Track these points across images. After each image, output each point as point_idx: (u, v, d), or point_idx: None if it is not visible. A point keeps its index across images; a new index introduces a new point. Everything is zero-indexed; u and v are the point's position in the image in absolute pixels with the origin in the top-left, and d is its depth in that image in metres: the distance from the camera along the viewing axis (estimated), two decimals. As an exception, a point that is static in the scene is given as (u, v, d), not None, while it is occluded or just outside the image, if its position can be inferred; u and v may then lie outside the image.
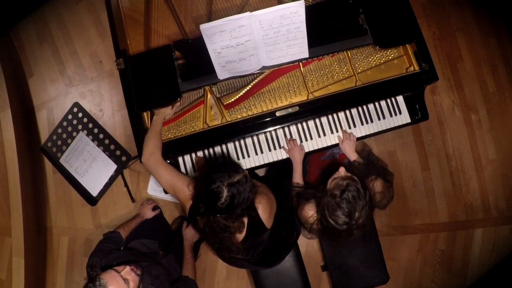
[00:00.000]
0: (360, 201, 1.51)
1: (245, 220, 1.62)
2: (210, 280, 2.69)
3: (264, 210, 1.64)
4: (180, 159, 2.03)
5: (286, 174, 2.08)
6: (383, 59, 2.03)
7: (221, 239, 1.60)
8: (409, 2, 2.00)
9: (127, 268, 1.59)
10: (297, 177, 1.97)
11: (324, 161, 2.15)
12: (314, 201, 1.71)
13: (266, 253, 1.80)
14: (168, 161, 2.00)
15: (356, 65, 2.02)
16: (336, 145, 2.04)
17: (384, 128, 2.06)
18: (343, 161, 2.07)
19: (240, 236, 1.64)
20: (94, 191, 2.12)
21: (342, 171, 1.61)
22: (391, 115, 2.06)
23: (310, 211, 1.70)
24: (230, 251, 1.66)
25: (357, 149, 2.00)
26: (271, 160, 2.04)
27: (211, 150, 2.04)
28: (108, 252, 1.84)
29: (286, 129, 2.04)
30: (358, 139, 2.03)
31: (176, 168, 2.01)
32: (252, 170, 2.08)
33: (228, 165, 1.55)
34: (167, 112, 1.91)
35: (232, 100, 1.98)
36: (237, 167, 1.53)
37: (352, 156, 1.96)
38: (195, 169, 2.03)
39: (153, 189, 2.71)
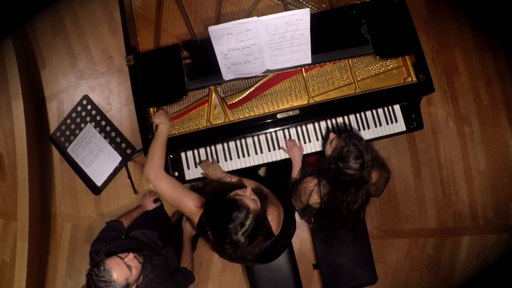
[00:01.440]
0: (362, 141, 1.63)
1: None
2: (206, 272, 2.69)
3: (275, 221, 1.61)
4: (182, 154, 2.03)
5: (284, 174, 2.09)
6: (383, 68, 2.03)
7: (236, 253, 1.52)
8: (410, 15, 2.00)
9: (131, 255, 1.59)
10: (295, 175, 1.97)
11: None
12: (313, 176, 1.77)
13: (264, 252, 1.79)
14: (171, 156, 2.01)
15: (357, 73, 2.02)
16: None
17: (380, 135, 2.06)
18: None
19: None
20: (99, 181, 2.12)
21: (332, 134, 1.71)
22: (387, 123, 2.06)
23: (311, 180, 1.75)
24: (243, 259, 1.57)
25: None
26: (270, 160, 2.04)
27: (212, 147, 2.04)
28: (111, 240, 1.85)
29: (286, 131, 2.04)
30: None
31: (177, 163, 2.02)
32: (251, 169, 2.08)
33: (233, 209, 1.40)
34: (168, 126, 1.80)
35: (236, 100, 1.99)
36: (242, 209, 1.39)
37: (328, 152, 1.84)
38: (196, 164, 2.03)
39: (155, 182, 2.71)
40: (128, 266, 1.55)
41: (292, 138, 2.04)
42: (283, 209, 1.74)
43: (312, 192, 1.74)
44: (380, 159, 1.89)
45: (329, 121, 2.05)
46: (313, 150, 2.04)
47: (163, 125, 1.76)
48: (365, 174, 1.62)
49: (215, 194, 1.54)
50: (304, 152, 2.03)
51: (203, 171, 1.99)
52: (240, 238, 1.39)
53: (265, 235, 1.57)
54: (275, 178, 2.22)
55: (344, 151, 1.59)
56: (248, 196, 1.46)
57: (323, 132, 2.05)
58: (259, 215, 1.44)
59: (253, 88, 1.99)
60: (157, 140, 1.72)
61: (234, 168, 2.02)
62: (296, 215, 2.08)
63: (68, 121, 2.12)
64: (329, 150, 1.69)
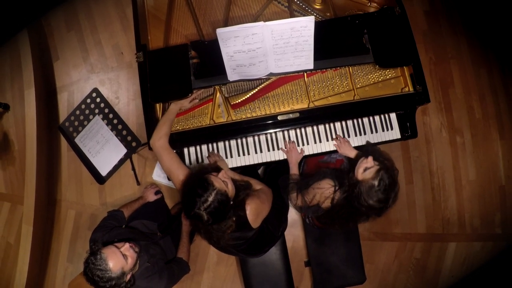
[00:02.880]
0: (395, 188, 1.55)
1: (234, 218, 1.61)
2: (202, 263, 2.69)
3: (252, 212, 1.63)
4: (185, 150, 2.03)
5: (281, 174, 2.08)
6: (381, 77, 2.03)
7: (210, 233, 1.62)
8: (411, 28, 2.00)
9: (127, 245, 1.60)
10: (294, 171, 1.97)
11: (322, 163, 2.13)
12: (330, 179, 1.70)
13: (251, 244, 1.79)
14: (174, 151, 2.00)
15: (356, 80, 2.02)
16: (330, 152, 2.04)
17: (376, 141, 2.06)
18: (340, 166, 2.06)
19: (229, 231, 1.63)
20: (104, 171, 2.13)
21: (371, 160, 1.58)
22: (383, 130, 2.06)
23: (327, 185, 1.69)
24: (218, 243, 1.67)
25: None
26: (269, 160, 2.04)
27: (214, 144, 2.04)
28: (111, 229, 1.85)
29: (286, 132, 2.04)
30: (351, 148, 2.02)
31: (181, 158, 2.01)
32: (252, 167, 2.07)
33: (197, 185, 1.49)
34: (184, 104, 1.91)
35: (239, 101, 1.99)
36: (205, 185, 1.48)
37: (352, 153, 1.93)
38: (198, 160, 2.03)
39: (158, 175, 2.71)
40: (124, 256, 1.56)
41: (292, 139, 2.04)
42: (270, 208, 1.77)
43: (327, 198, 1.70)
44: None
45: (327, 125, 2.05)
46: (311, 152, 2.04)
47: (174, 104, 1.89)
48: (381, 211, 1.58)
49: (194, 173, 1.63)
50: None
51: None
52: (202, 213, 1.47)
53: (239, 224, 1.62)
54: (272, 177, 2.22)
55: (373, 191, 1.52)
56: (219, 177, 1.53)
57: (322, 135, 2.05)
58: (223, 197, 1.49)
59: (256, 89, 1.99)
60: (166, 115, 1.87)
61: (234, 165, 2.02)
62: (290, 213, 2.08)
63: (77, 112, 2.12)
64: (360, 175, 1.58)
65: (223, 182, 1.52)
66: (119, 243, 1.60)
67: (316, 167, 2.12)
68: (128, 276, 1.59)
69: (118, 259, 1.54)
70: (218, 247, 1.82)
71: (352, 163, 1.84)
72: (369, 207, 1.55)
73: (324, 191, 1.70)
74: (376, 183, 1.52)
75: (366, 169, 1.57)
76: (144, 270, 1.70)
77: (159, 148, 1.78)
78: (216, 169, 1.63)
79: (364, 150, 2.00)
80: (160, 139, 1.78)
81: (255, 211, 1.65)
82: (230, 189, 1.54)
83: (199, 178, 1.53)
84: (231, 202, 1.54)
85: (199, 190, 1.47)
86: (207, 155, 2.02)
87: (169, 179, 1.90)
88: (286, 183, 1.93)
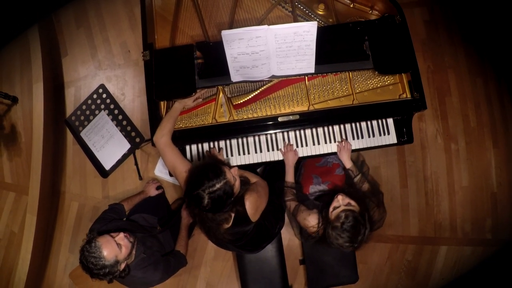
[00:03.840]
0: (361, 228, 1.51)
1: (232, 213, 1.61)
2: (199, 258, 2.69)
3: (251, 206, 1.63)
4: (187, 147, 2.03)
5: (278, 173, 2.09)
6: (380, 83, 2.03)
7: (208, 226, 1.62)
8: (410, 36, 2.00)
9: (121, 234, 1.61)
10: (289, 177, 1.97)
11: (319, 167, 2.14)
12: (317, 213, 1.70)
13: (249, 240, 1.79)
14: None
15: (355, 85, 2.01)
16: (329, 154, 2.04)
17: (373, 145, 2.06)
18: (335, 171, 2.07)
19: (226, 225, 1.64)
20: (107, 165, 2.13)
21: (340, 199, 1.58)
22: (380, 134, 2.06)
23: (312, 222, 1.69)
24: (216, 237, 1.67)
25: (352, 158, 2.00)
26: (268, 160, 2.04)
27: (216, 143, 2.04)
28: (110, 221, 1.85)
29: (285, 134, 2.04)
30: (348, 151, 2.03)
31: (183, 155, 2.01)
32: (251, 167, 2.07)
33: (210, 169, 1.48)
34: (188, 102, 1.91)
35: (241, 101, 1.99)
36: (218, 172, 1.47)
37: (348, 164, 1.96)
38: (199, 157, 2.03)
39: (160, 171, 2.71)
40: (118, 245, 1.56)
41: (291, 141, 2.04)
42: (267, 202, 1.77)
43: (312, 232, 1.70)
44: (379, 195, 1.85)
45: (326, 128, 2.05)
46: (309, 154, 2.04)
47: (178, 102, 1.89)
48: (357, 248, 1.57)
49: (208, 160, 1.64)
50: (300, 155, 2.02)
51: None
52: (204, 196, 1.44)
53: (237, 219, 1.61)
54: (270, 176, 2.22)
55: (336, 232, 1.52)
56: (231, 171, 1.52)
57: (320, 138, 2.05)
58: (229, 190, 1.48)
59: (258, 91, 1.99)
60: (170, 113, 1.87)
61: (234, 164, 2.02)
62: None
63: (84, 107, 2.12)
64: (330, 213, 1.58)
65: (233, 177, 1.52)
66: (114, 232, 1.61)
67: (312, 172, 2.12)
68: (123, 265, 1.60)
69: (112, 247, 1.54)
70: (216, 242, 1.82)
71: (346, 173, 1.91)
72: (339, 246, 1.54)
73: (308, 227, 1.70)
74: (338, 224, 1.51)
75: (335, 209, 1.57)
76: (140, 261, 1.71)
77: (162, 145, 1.78)
78: (229, 164, 1.64)
79: (360, 165, 2.02)
80: (163, 136, 1.78)
81: (254, 205, 1.65)
82: (237, 186, 1.54)
83: (213, 163, 1.52)
84: (232, 198, 1.54)
85: (210, 174, 1.46)
86: (208, 152, 2.02)
87: (171, 175, 1.91)
88: (282, 188, 1.94)
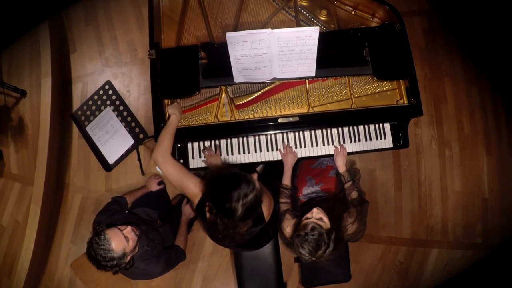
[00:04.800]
0: (322, 245, 1.48)
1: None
2: (198, 253, 2.69)
3: (266, 208, 1.63)
4: (189, 144, 2.03)
5: (277, 174, 2.08)
6: (378, 89, 2.03)
7: (227, 232, 1.52)
8: (409, 44, 2.00)
9: (129, 228, 1.60)
10: (286, 180, 1.96)
11: (313, 169, 2.14)
12: (294, 221, 1.69)
13: (252, 239, 1.79)
14: (179, 145, 2.00)
15: (354, 90, 2.01)
16: (325, 155, 2.04)
17: (369, 148, 2.06)
18: (329, 173, 2.07)
19: (244, 228, 1.58)
20: (111, 160, 2.12)
21: (315, 212, 1.57)
22: (376, 138, 2.06)
23: (287, 228, 1.70)
24: (233, 239, 1.57)
25: (346, 165, 2.00)
26: (267, 159, 2.04)
27: (217, 141, 2.04)
28: (114, 213, 1.85)
29: (285, 135, 2.04)
30: (345, 154, 2.03)
31: (184, 152, 2.01)
32: (250, 166, 2.07)
33: (240, 178, 1.41)
34: (179, 118, 1.82)
35: (243, 102, 1.98)
36: (247, 180, 1.41)
37: (342, 168, 1.96)
38: (201, 155, 2.02)
39: (162, 167, 2.71)
40: (126, 238, 1.56)
41: (290, 141, 2.04)
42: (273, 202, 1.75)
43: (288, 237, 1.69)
44: (365, 204, 1.85)
45: (324, 130, 2.05)
46: (307, 155, 2.04)
47: (175, 116, 1.79)
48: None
49: (221, 170, 1.53)
50: (299, 156, 2.02)
51: (205, 159, 1.99)
52: (239, 207, 1.37)
53: (256, 219, 1.58)
54: (269, 177, 2.21)
55: (298, 240, 1.50)
56: (254, 178, 1.46)
57: (319, 140, 2.05)
58: (259, 196, 1.44)
59: (260, 92, 1.99)
60: (167, 128, 1.76)
61: (234, 162, 2.02)
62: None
63: (90, 102, 2.12)
64: (302, 221, 1.57)
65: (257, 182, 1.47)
66: (121, 225, 1.61)
67: (307, 173, 2.12)
68: (128, 258, 1.60)
69: (121, 240, 1.54)
70: (218, 241, 1.78)
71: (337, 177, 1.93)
72: (299, 254, 1.53)
73: (287, 236, 1.69)
74: (303, 234, 1.50)
75: (307, 219, 1.56)
76: (143, 253, 1.71)
77: (163, 164, 1.66)
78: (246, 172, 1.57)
79: (352, 172, 2.02)
80: (161, 153, 1.67)
81: (269, 206, 1.65)
82: (260, 189, 1.48)
83: (236, 173, 1.44)
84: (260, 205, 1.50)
85: (241, 180, 1.39)
86: (204, 152, 2.01)
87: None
88: (278, 189, 1.94)
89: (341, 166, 1.97)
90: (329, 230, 1.53)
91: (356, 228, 1.74)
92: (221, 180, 1.43)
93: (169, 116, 1.84)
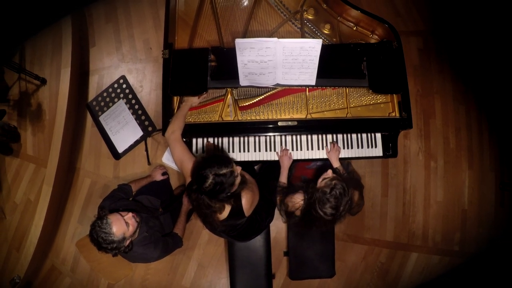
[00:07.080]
0: (345, 198, 1.52)
1: (228, 205, 1.61)
2: (194, 241, 2.69)
3: (247, 202, 1.65)
4: (194, 140, 2.03)
5: (274, 173, 2.09)
6: (373, 101, 2.03)
7: (205, 214, 1.60)
8: (404, 61, 2.00)
9: (130, 214, 1.61)
10: (283, 178, 1.97)
11: (308, 169, 2.15)
12: (302, 193, 1.70)
13: (241, 232, 1.80)
14: (184, 140, 2.00)
15: (351, 100, 2.02)
16: (319, 159, 2.04)
17: (360, 155, 2.06)
18: (312, 165, 2.07)
19: (221, 217, 1.64)
20: (120, 149, 2.14)
21: (330, 172, 1.61)
22: (368, 147, 2.06)
23: (298, 199, 1.70)
24: (211, 225, 1.67)
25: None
26: (265, 159, 2.04)
27: (219, 139, 2.05)
28: (118, 199, 1.85)
29: (283, 137, 2.05)
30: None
31: (189, 147, 2.02)
32: (249, 164, 2.07)
33: (222, 158, 1.51)
34: (194, 100, 1.91)
35: (247, 104, 1.99)
36: (228, 162, 1.49)
37: (336, 163, 1.96)
38: (204, 150, 2.03)
39: (167, 159, 2.71)
40: (126, 223, 1.57)
41: (287, 144, 2.04)
42: (259, 199, 1.77)
43: (297, 209, 1.70)
44: (361, 188, 1.85)
45: (320, 136, 2.05)
46: (302, 158, 2.04)
47: (190, 101, 1.90)
48: (334, 221, 1.57)
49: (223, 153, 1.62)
50: (294, 158, 2.02)
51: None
52: (209, 176, 1.44)
53: (235, 211, 1.62)
54: (266, 174, 2.22)
55: (325, 198, 1.51)
56: (238, 170, 1.53)
57: (314, 144, 2.05)
58: (232, 181, 1.48)
59: (263, 96, 1.99)
60: (180, 111, 1.86)
61: (234, 160, 2.02)
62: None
63: (105, 94, 2.13)
64: (318, 183, 1.60)
65: (239, 175, 1.53)
66: (123, 212, 1.61)
67: (302, 173, 2.13)
68: (128, 242, 1.60)
69: (121, 225, 1.55)
70: (211, 229, 1.82)
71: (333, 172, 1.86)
72: (323, 213, 1.54)
73: (295, 204, 1.70)
74: (328, 190, 1.52)
75: (324, 179, 1.58)
76: (142, 239, 1.71)
77: (172, 140, 1.76)
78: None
79: (345, 165, 2.01)
80: (174, 132, 1.77)
81: (249, 202, 1.66)
82: (237, 183, 1.54)
83: (227, 157, 1.54)
84: (229, 193, 1.53)
85: (220, 160, 1.47)
86: (206, 146, 2.02)
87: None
88: (275, 187, 1.94)
89: (335, 161, 1.96)
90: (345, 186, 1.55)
91: (357, 199, 1.75)
92: (207, 157, 1.53)
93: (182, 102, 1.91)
